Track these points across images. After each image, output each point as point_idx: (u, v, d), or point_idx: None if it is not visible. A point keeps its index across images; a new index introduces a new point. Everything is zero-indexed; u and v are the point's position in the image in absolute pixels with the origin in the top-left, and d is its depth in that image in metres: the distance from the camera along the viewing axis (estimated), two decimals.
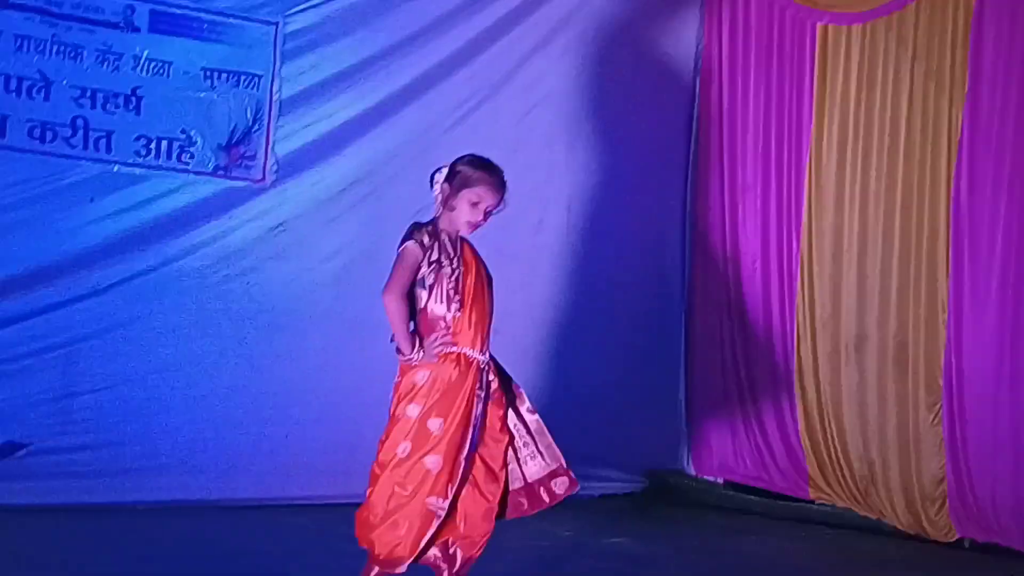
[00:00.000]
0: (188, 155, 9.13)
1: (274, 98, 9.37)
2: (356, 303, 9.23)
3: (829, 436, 10.33)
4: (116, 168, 8.96)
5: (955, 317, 9.53)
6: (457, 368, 6.43)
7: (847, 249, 10.24)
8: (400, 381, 6.53)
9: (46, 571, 7.20)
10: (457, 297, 6.45)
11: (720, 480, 11.15)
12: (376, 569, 6.45)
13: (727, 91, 11.11)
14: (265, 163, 9.36)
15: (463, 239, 6.59)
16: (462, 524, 6.58)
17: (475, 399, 6.48)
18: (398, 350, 6.44)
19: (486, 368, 6.53)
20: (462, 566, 6.58)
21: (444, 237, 6.47)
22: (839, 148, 10.34)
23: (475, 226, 6.48)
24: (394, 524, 6.42)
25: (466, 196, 6.44)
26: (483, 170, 6.53)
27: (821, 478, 10.43)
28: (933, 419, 9.62)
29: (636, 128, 10.97)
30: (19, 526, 8.03)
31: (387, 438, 6.45)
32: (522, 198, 9.85)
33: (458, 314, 6.45)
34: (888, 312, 9.96)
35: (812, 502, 10.50)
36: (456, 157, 6.64)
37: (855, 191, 10.23)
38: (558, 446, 9.78)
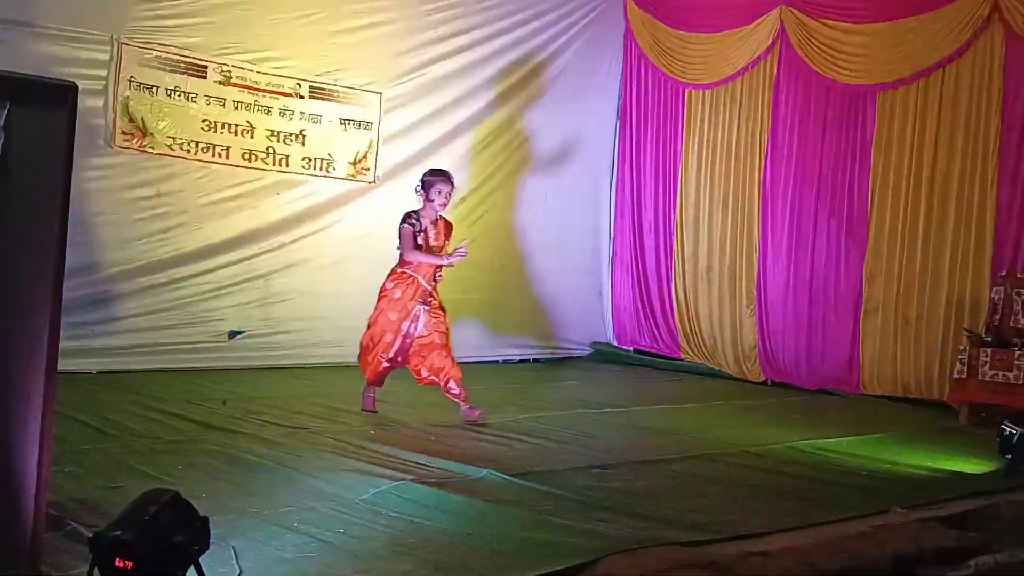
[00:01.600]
0: (332, 168, 9.32)
1: (380, 135, 9.53)
2: None
3: (692, 322, 10.65)
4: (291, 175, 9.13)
5: (762, 255, 9.98)
6: (412, 286, 6.93)
7: (702, 219, 10.55)
8: (388, 280, 7.00)
9: (248, 395, 7.51)
10: (432, 247, 6.92)
11: (631, 348, 11.27)
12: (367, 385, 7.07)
13: (635, 128, 11.19)
14: (375, 172, 9.56)
15: (441, 216, 7.04)
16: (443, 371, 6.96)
17: (418, 304, 6.93)
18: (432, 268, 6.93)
19: (429, 290, 6.96)
20: (447, 381, 6.94)
21: (424, 218, 6.92)
22: (697, 161, 10.61)
23: (443, 206, 6.96)
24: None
25: (433, 190, 6.93)
26: (436, 174, 7.05)
27: (687, 346, 10.74)
28: (750, 312, 10.07)
29: (582, 152, 11.04)
30: (237, 378, 8.32)
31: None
32: (518, 194, 10.36)
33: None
34: (725, 253, 10.34)
35: (682, 360, 10.74)
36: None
37: (706, 185, 10.53)
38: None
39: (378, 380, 7.11)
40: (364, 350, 7.08)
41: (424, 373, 7.00)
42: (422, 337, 6.96)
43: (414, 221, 6.92)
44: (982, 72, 8.67)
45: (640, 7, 11.07)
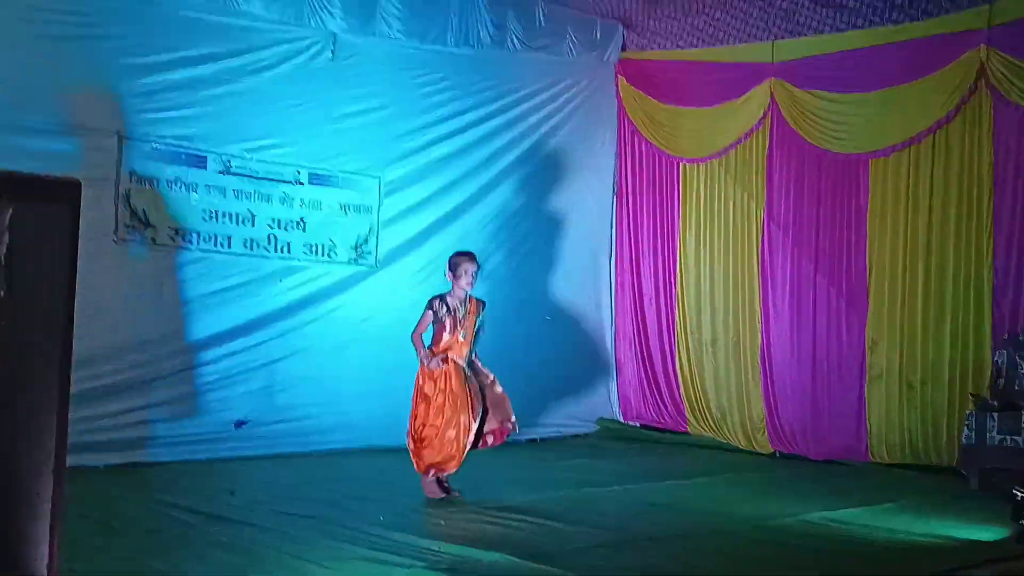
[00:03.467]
0: (333, 253, 9.32)
1: (379, 219, 9.57)
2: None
3: (698, 395, 10.58)
4: (294, 263, 9.12)
5: (764, 326, 9.97)
6: (452, 367, 7.01)
7: (703, 290, 10.54)
8: (419, 375, 7.10)
9: (256, 485, 7.48)
10: (460, 330, 7.05)
11: (637, 423, 11.19)
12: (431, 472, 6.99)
13: (631, 202, 11.24)
14: (376, 256, 9.57)
15: (470, 296, 7.16)
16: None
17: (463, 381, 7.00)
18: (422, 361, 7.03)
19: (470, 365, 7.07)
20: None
21: (450, 299, 7.06)
22: (695, 232, 10.63)
23: (470, 284, 7.10)
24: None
25: (460, 270, 7.08)
26: (462, 255, 7.21)
27: (694, 419, 10.66)
28: (755, 384, 10.03)
29: (581, 228, 11.09)
30: (244, 467, 8.26)
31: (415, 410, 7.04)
32: (518, 273, 10.40)
33: (460, 339, 7.06)
34: (728, 324, 10.31)
35: (689, 434, 10.67)
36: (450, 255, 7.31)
37: (705, 256, 10.54)
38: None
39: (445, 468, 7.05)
40: (415, 447, 7.04)
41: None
42: (487, 388, 7.12)
43: (437, 306, 7.07)
44: (971, 137, 8.75)
45: (631, 83, 11.18)
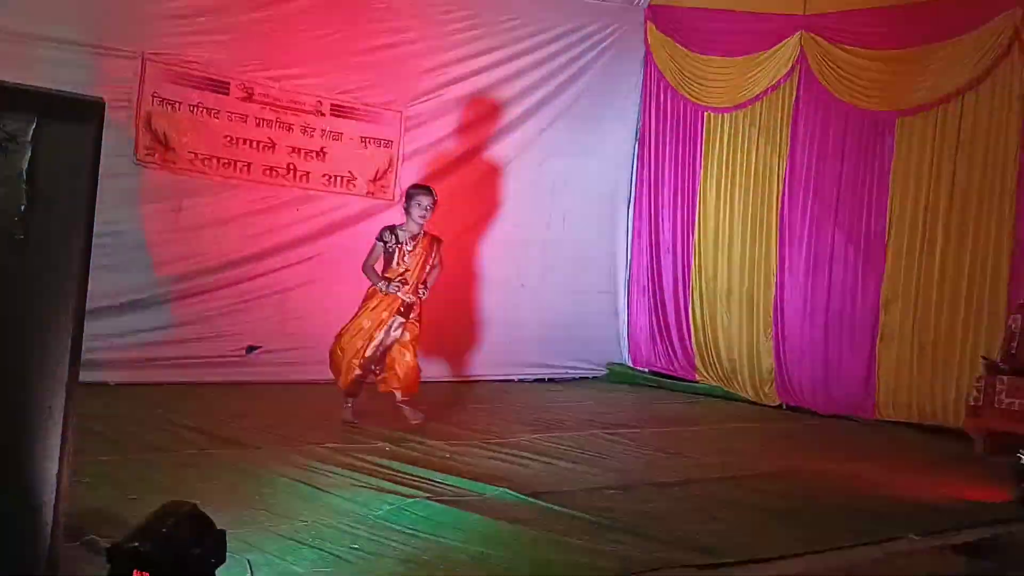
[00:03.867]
0: (352, 184, 9.33)
1: (400, 153, 9.56)
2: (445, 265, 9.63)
3: (709, 345, 10.59)
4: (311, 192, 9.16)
5: (780, 279, 9.94)
6: (387, 299, 7.08)
7: (721, 242, 10.51)
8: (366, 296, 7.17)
9: (265, 410, 7.60)
10: (402, 265, 7.08)
11: (647, 369, 11.21)
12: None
13: (653, 150, 11.16)
14: (394, 190, 9.49)
15: (425, 231, 7.15)
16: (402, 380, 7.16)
17: (392, 317, 7.08)
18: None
19: (410, 304, 7.10)
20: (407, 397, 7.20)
21: (401, 232, 7.09)
22: (716, 183, 10.58)
23: (424, 218, 7.08)
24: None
25: (414, 202, 7.08)
26: (417, 187, 7.24)
27: (703, 368, 10.69)
28: (767, 336, 10.05)
29: (601, 173, 11.10)
30: (256, 392, 8.35)
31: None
32: (539, 212, 10.38)
33: (402, 273, 7.08)
34: (744, 277, 10.29)
35: (697, 382, 10.70)
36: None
37: (724, 209, 10.50)
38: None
39: (353, 390, 7.23)
40: (333, 357, 7.23)
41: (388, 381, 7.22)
42: (394, 350, 7.13)
43: (387, 237, 7.10)
44: (1002, 101, 8.65)
45: (660, 30, 11.07)
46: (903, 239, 9.17)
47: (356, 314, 7.16)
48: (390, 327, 7.10)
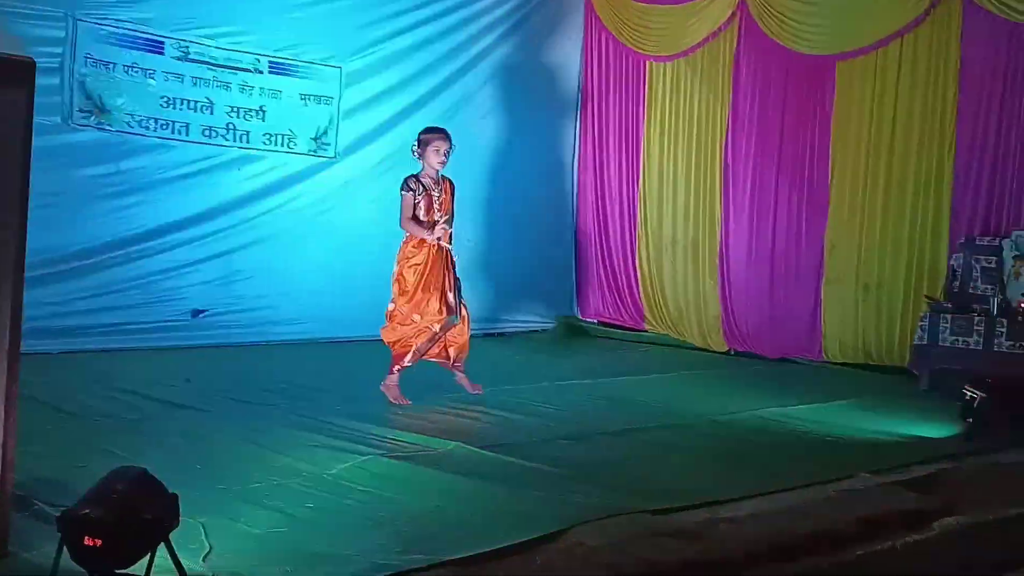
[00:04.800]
0: (293, 143, 9.24)
1: (340, 110, 9.47)
2: (384, 223, 9.41)
3: (656, 294, 10.64)
4: (251, 152, 9.05)
5: (724, 226, 9.99)
6: (434, 249, 6.70)
7: (665, 191, 10.51)
8: (402, 252, 6.74)
9: (212, 373, 7.50)
10: (438, 211, 6.72)
11: (596, 321, 11.26)
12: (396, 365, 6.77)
13: (597, 101, 11.15)
14: (335, 147, 9.48)
15: (444, 177, 6.81)
16: (452, 339, 6.89)
17: (448, 269, 6.77)
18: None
19: (449, 252, 6.79)
20: (457, 360, 6.97)
21: (425, 179, 6.70)
22: (659, 133, 10.56)
23: (442, 163, 6.68)
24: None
25: (430, 148, 6.68)
26: (433, 131, 6.81)
27: (651, 318, 10.75)
28: (713, 283, 10.07)
29: (545, 126, 11.05)
30: (200, 356, 8.21)
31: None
32: (481, 167, 10.36)
33: (436, 219, 6.70)
34: (688, 225, 10.32)
35: (646, 331, 10.78)
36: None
37: (668, 158, 10.48)
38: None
39: (419, 355, 6.79)
40: (395, 330, 6.76)
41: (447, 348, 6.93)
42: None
43: (414, 184, 6.68)
44: (940, 41, 8.69)
45: None
46: (846, 182, 9.22)
47: (401, 276, 6.70)
48: (450, 287, 6.74)
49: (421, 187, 6.70)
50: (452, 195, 6.87)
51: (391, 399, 6.67)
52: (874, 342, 9.06)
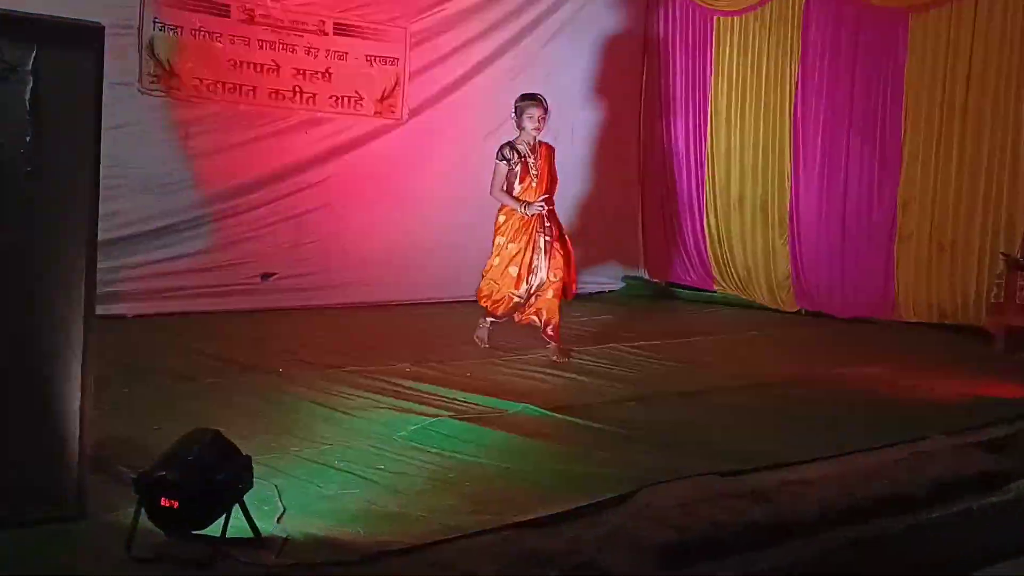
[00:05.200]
0: (359, 105, 9.21)
1: (406, 72, 9.43)
2: (452, 185, 9.36)
3: (724, 253, 10.54)
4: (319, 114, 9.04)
5: (794, 185, 9.85)
6: (522, 220, 6.90)
7: (733, 148, 10.38)
8: (496, 222, 7.00)
9: (282, 336, 7.56)
10: (531, 177, 6.91)
11: (664, 281, 11.19)
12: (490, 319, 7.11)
13: (662, 58, 11.01)
14: (402, 109, 9.45)
15: (539, 141, 6.99)
16: (544, 312, 7.01)
17: (537, 233, 6.92)
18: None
19: (546, 216, 6.93)
20: (547, 324, 7.01)
21: (521, 145, 6.90)
22: (727, 89, 10.42)
23: (538, 130, 6.90)
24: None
25: (525, 116, 6.90)
26: (528, 98, 6.98)
27: (720, 278, 10.67)
28: (783, 242, 9.98)
29: (611, 84, 10.86)
30: (269, 319, 8.29)
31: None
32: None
33: (532, 186, 6.90)
34: (757, 182, 10.19)
35: (715, 292, 10.71)
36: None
37: (737, 114, 10.35)
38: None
39: (505, 315, 7.11)
40: (484, 290, 7.09)
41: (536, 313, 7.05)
42: (548, 278, 6.96)
43: (508, 153, 6.91)
44: None
45: None
46: (919, 139, 9.05)
47: (497, 245, 6.99)
48: (542, 248, 6.93)
49: (516, 154, 6.91)
50: (550, 160, 7.04)
51: (476, 340, 7.14)
52: (949, 301, 8.90)
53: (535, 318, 7.06)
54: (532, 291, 6.98)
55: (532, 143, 6.94)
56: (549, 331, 7.02)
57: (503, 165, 6.90)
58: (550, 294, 6.98)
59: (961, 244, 8.84)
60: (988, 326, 8.16)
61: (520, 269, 6.92)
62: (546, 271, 6.96)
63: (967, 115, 8.76)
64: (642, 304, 10.54)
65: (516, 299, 6.99)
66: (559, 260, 7.00)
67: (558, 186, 7.20)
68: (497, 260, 7.01)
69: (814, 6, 9.71)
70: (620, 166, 11.21)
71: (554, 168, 7.07)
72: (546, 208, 6.93)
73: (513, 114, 7.01)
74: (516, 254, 6.93)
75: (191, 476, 3.19)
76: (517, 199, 6.92)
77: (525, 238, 6.92)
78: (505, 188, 6.97)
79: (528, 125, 6.88)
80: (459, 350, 7.13)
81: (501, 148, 6.95)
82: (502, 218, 7.02)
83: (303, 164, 9.06)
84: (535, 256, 6.93)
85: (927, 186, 9.01)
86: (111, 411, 4.67)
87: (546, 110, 6.94)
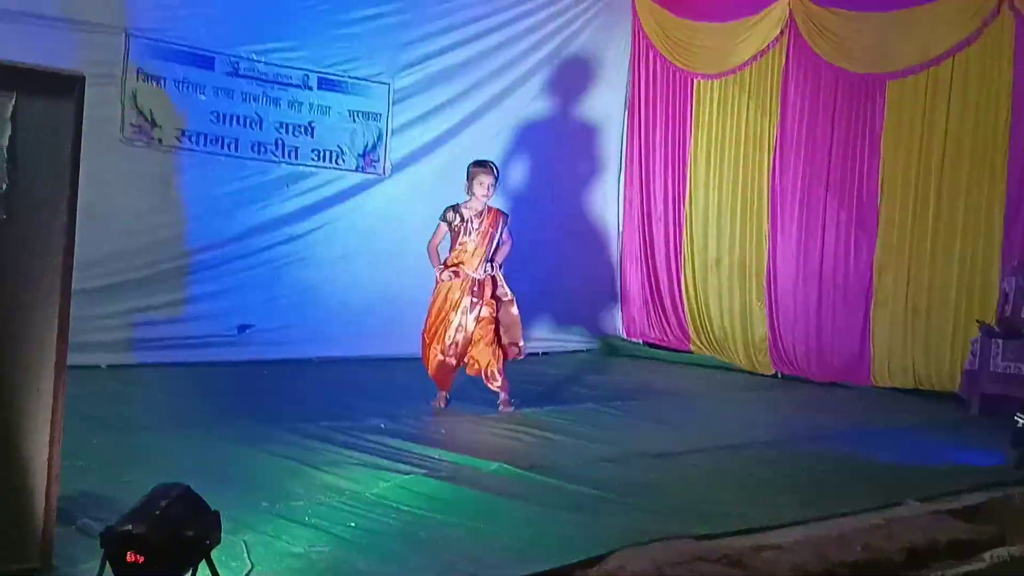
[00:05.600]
0: (341, 160, 9.28)
1: (388, 127, 9.50)
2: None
3: (702, 314, 10.53)
4: (301, 168, 9.10)
5: (771, 247, 9.88)
6: (458, 279, 7.01)
7: (711, 210, 10.43)
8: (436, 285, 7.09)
9: (257, 390, 7.64)
10: (470, 240, 7.03)
11: (641, 341, 11.18)
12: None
13: (643, 118, 11.09)
14: (384, 164, 9.52)
15: (489, 207, 7.13)
16: (478, 361, 7.08)
17: (466, 295, 7.01)
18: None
19: (479, 281, 7.04)
20: (492, 376, 7.07)
21: (465, 209, 7.04)
22: (706, 151, 10.49)
23: (487, 196, 7.06)
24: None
25: (475, 181, 7.04)
26: (479, 165, 7.15)
27: (697, 339, 10.65)
28: (760, 304, 9.97)
29: (591, 143, 11.00)
30: (245, 372, 8.27)
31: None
32: (527, 185, 10.36)
33: (468, 249, 7.03)
34: (734, 244, 10.23)
35: (692, 353, 10.67)
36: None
37: (716, 176, 10.41)
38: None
39: (440, 379, 7.17)
40: (422, 347, 7.18)
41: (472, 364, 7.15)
42: (474, 333, 7.05)
43: (451, 216, 7.06)
44: (992, 61, 8.58)
45: None
46: (895, 203, 9.11)
47: (432, 300, 7.12)
48: (467, 308, 7.04)
49: (458, 217, 7.06)
50: (498, 226, 7.15)
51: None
52: (924, 367, 8.91)
53: (478, 367, 7.14)
54: (458, 350, 7.04)
55: (481, 208, 7.08)
56: (495, 380, 7.09)
57: (443, 225, 7.07)
58: (481, 345, 7.05)
59: (936, 309, 8.86)
60: (962, 392, 8.16)
61: (445, 328, 7.03)
62: (471, 330, 7.05)
63: (943, 180, 8.83)
64: (619, 364, 10.50)
65: (439, 357, 7.05)
66: (489, 314, 7.08)
67: (507, 250, 7.24)
68: (428, 323, 7.13)
69: (793, 70, 9.81)
70: (599, 224, 11.25)
71: (503, 233, 7.18)
72: (465, 276, 7.01)
73: (465, 178, 7.13)
74: (442, 314, 7.05)
75: (158, 530, 3.13)
76: (445, 264, 7.06)
77: (455, 297, 7.04)
78: (450, 248, 7.11)
79: (478, 191, 7.05)
80: (435, 406, 7.11)
81: (445, 209, 7.11)
82: (442, 284, 7.12)
83: (284, 217, 9.10)
84: (460, 316, 7.03)
85: (903, 251, 9.06)
86: (81, 463, 4.62)
87: (496, 178, 7.15)
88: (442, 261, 7.09)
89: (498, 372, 7.08)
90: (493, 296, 7.14)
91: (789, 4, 9.76)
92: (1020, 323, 7.93)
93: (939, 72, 8.85)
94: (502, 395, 7.11)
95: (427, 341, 7.10)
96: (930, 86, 8.90)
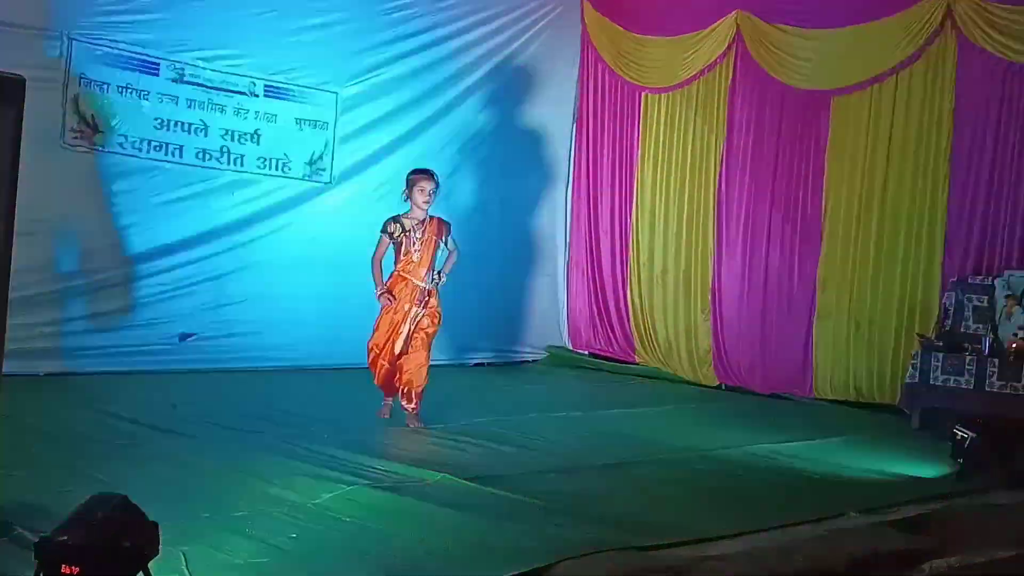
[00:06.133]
0: (287, 168, 9.21)
1: (335, 135, 9.46)
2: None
3: (647, 326, 10.59)
4: (247, 175, 9.01)
5: (717, 260, 9.97)
6: (407, 289, 6.90)
7: (658, 224, 10.50)
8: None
9: (199, 398, 7.44)
10: (415, 251, 6.90)
11: (587, 352, 11.20)
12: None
13: (592, 131, 11.15)
14: (331, 172, 9.47)
15: (431, 216, 6.97)
16: (406, 375, 6.92)
17: (413, 305, 6.90)
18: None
19: (426, 290, 6.93)
20: (409, 395, 6.90)
21: (406, 220, 6.89)
22: (653, 165, 10.57)
23: (428, 203, 6.88)
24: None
25: (416, 188, 6.87)
26: (418, 173, 6.98)
27: (642, 350, 10.70)
28: (704, 316, 10.06)
29: (539, 155, 11.02)
30: (189, 381, 8.20)
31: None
32: (475, 196, 10.34)
33: (413, 260, 6.89)
34: (680, 256, 10.29)
35: (637, 364, 10.70)
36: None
37: (662, 189, 10.49)
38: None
39: (386, 386, 7.05)
40: (369, 353, 7.04)
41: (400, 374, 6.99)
42: (412, 339, 6.94)
43: (391, 228, 6.91)
44: (935, 79, 8.73)
45: (596, 9, 11.03)
46: (839, 218, 9.22)
47: (382, 314, 6.98)
48: (415, 318, 6.92)
49: (400, 228, 6.91)
50: (442, 235, 7.02)
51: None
52: (865, 380, 9.02)
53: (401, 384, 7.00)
54: (397, 358, 6.95)
55: (422, 217, 6.94)
56: (404, 401, 6.96)
57: (385, 238, 6.93)
58: (413, 355, 6.93)
59: (878, 323, 8.97)
60: (903, 405, 8.26)
61: (395, 340, 6.92)
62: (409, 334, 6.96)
63: (886, 195, 8.96)
64: (564, 374, 10.52)
65: (387, 367, 6.96)
66: (431, 323, 7.00)
67: (455, 258, 7.14)
68: (376, 332, 7.00)
69: (740, 86, 9.91)
70: (546, 235, 11.27)
71: (448, 242, 7.07)
72: (414, 286, 6.92)
73: (405, 188, 6.98)
74: (394, 325, 6.93)
75: (94, 541, 3.08)
76: (396, 277, 6.94)
77: (404, 309, 6.92)
78: (395, 260, 6.99)
79: (419, 198, 6.87)
80: (380, 416, 7.07)
81: (385, 221, 6.95)
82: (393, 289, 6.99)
83: (228, 225, 9.01)
84: (408, 325, 6.93)
85: (846, 265, 9.17)
86: (18, 473, 4.53)
87: (437, 184, 6.96)
88: (390, 273, 6.97)
89: (415, 396, 6.91)
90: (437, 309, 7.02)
91: (736, 20, 9.86)
92: (959, 337, 8.04)
93: (883, 89, 8.98)
94: (411, 409, 6.93)
95: (376, 352, 6.97)
96: (874, 103, 9.04)
